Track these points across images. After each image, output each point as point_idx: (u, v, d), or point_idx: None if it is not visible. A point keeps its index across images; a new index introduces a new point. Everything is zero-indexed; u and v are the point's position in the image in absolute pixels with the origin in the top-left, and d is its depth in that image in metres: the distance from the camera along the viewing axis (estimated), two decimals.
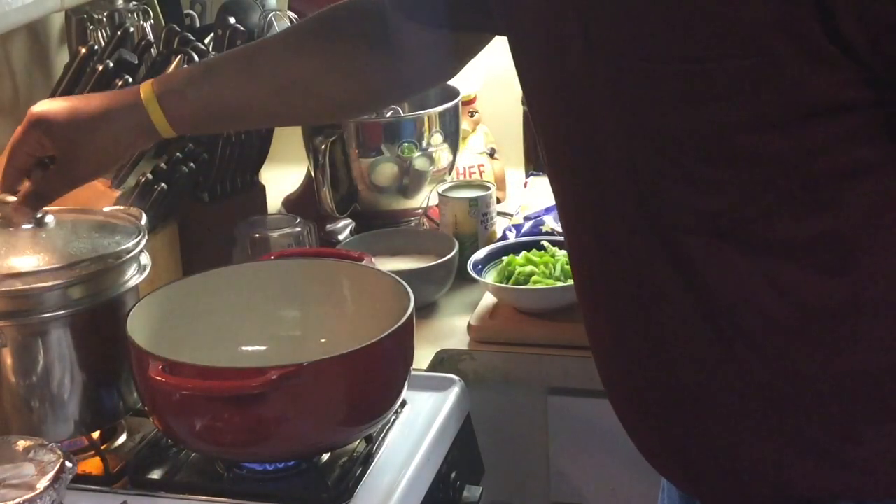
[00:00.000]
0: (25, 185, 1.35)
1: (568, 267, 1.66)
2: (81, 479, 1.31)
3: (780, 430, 1.02)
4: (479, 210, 1.83)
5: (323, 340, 1.47)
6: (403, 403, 1.46)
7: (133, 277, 1.40)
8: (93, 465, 1.37)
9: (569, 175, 1.11)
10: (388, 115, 1.89)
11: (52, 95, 1.66)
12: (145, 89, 1.34)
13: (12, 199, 1.35)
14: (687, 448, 1.09)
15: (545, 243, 1.72)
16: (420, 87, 1.63)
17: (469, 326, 1.65)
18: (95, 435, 1.40)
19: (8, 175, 1.35)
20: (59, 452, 1.22)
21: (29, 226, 1.36)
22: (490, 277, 1.69)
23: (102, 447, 1.40)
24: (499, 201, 1.96)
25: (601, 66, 1.00)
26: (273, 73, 1.37)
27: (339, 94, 1.40)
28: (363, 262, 1.51)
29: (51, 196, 1.36)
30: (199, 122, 1.39)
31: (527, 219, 1.85)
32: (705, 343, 1.03)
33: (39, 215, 1.37)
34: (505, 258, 1.71)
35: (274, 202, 2.02)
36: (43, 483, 1.18)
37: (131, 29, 1.82)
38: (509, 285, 1.66)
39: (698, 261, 1.01)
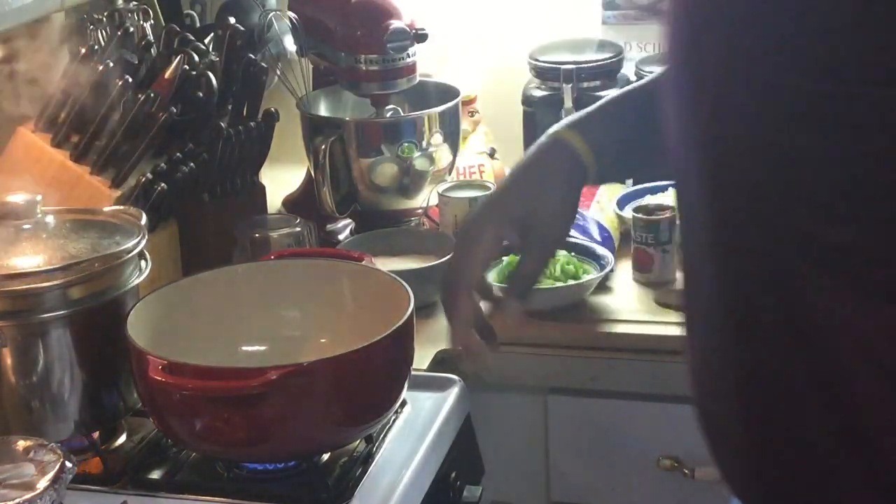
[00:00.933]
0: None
1: (568, 267, 1.66)
2: (81, 479, 1.31)
3: (874, 479, 0.99)
4: None
5: (323, 340, 1.47)
6: (403, 403, 1.46)
7: (133, 277, 1.40)
8: (93, 465, 1.37)
9: (687, 190, 1.09)
10: (389, 115, 1.89)
11: (53, 96, 1.65)
12: (556, 130, 1.30)
13: None
14: (781, 484, 1.06)
15: None
16: None
17: None
18: (95, 435, 1.40)
19: (473, 276, 1.25)
20: (59, 452, 1.22)
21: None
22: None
23: (102, 447, 1.40)
24: None
25: (739, 82, 0.97)
26: None
27: None
28: (363, 262, 1.51)
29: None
30: (615, 150, 1.31)
31: None
32: (803, 382, 1.00)
33: (39, 215, 1.38)
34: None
35: (274, 202, 2.01)
36: (43, 483, 1.18)
37: (131, 29, 1.82)
38: None
39: (808, 295, 0.97)
